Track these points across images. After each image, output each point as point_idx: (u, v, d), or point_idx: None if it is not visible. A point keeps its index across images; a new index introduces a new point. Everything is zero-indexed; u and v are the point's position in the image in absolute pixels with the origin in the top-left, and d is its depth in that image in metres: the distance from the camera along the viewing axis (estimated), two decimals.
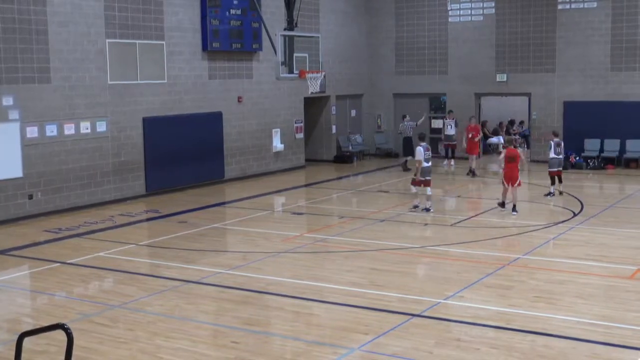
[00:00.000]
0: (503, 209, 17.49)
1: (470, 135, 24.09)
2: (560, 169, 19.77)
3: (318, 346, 9.14)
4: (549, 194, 19.68)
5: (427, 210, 17.68)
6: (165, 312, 10.54)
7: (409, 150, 24.58)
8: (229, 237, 16.10)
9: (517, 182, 17.39)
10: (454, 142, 26.14)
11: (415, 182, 17.90)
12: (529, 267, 12.73)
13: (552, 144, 19.80)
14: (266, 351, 9.09)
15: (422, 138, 18.30)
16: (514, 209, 17.28)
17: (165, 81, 20.82)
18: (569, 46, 25.82)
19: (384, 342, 9.18)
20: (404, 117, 26.13)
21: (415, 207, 17.96)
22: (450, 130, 25.99)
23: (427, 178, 17.73)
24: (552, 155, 19.70)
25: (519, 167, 17.53)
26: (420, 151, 17.65)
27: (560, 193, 19.76)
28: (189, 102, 21.63)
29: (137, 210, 18.59)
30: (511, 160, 17.39)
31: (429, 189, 17.79)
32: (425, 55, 28.36)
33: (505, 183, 17.47)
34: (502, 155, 17.65)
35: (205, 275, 12.43)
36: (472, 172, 23.55)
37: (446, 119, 26.27)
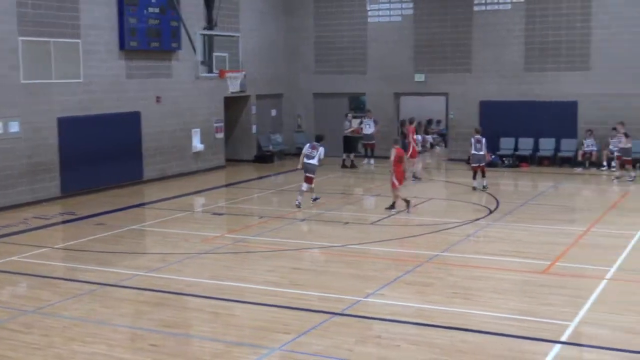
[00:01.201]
0: (409, 208, 17.56)
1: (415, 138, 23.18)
2: (481, 164, 20.43)
3: (238, 347, 9.08)
4: (474, 188, 20.36)
5: (298, 205, 18.15)
6: (82, 317, 10.30)
7: (347, 147, 26.07)
8: (148, 239, 15.85)
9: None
10: (373, 142, 26.39)
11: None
12: (447, 264, 12.94)
13: (473, 140, 20.59)
14: (185, 353, 8.98)
15: (317, 138, 19.03)
16: (393, 206, 17.66)
17: (82, 80, 20.34)
18: (485, 47, 26.37)
19: (304, 341, 9.18)
20: (347, 115, 26.80)
21: (315, 199, 18.65)
22: (369, 130, 26.21)
23: (307, 174, 18.33)
24: (472, 151, 20.52)
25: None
26: (304, 147, 18.70)
27: (484, 187, 20.36)
28: (106, 101, 21.19)
29: (52, 213, 18.11)
30: (400, 160, 17.73)
31: (305, 184, 18.31)
32: (345, 55, 28.52)
33: (398, 183, 17.54)
34: (393, 156, 17.61)
35: (123, 278, 12.21)
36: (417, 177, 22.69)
37: (364, 119, 26.47)
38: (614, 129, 23.23)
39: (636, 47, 24.31)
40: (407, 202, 17.55)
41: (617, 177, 22.03)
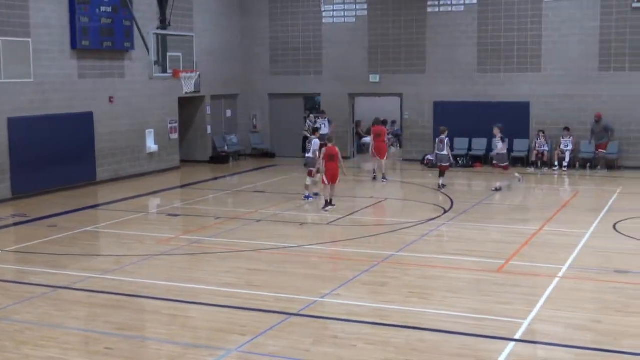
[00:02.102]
0: (329, 207, 17.84)
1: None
2: (443, 163, 20.93)
3: (194, 349, 9.02)
4: (440, 186, 20.89)
5: (316, 194, 19.32)
6: (34, 320, 10.14)
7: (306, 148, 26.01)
8: (102, 241, 15.66)
9: (337, 179, 18.09)
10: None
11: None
12: (402, 263, 13.02)
13: (437, 140, 21.24)
14: (141, 356, 8.91)
15: (312, 131, 20.71)
16: (331, 202, 17.96)
17: (32, 80, 20.01)
18: (438, 48, 26.60)
19: (261, 342, 9.16)
20: (309, 115, 27.04)
21: (314, 195, 19.29)
22: (324, 130, 26.22)
23: (307, 168, 19.26)
24: (435, 151, 21.34)
25: (338, 165, 18.02)
26: None
27: (439, 187, 20.75)
28: (58, 101, 20.88)
29: (2, 215, 17.76)
30: (331, 158, 17.98)
31: (308, 178, 19.17)
32: (300, 56, 28.53)
33: (326, 181, 17.95)
34: (322, 154, 18.20)
35: (76, 281, 12.04)
36: (384, 177, 22.71)
37: (319, 119, 26.52)
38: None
39: (586, 48, 24.77)
40: (328, 202, 18.01)
41: (497, 189, 20.42)
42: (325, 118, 26.35)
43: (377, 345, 9.04)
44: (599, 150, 24.27)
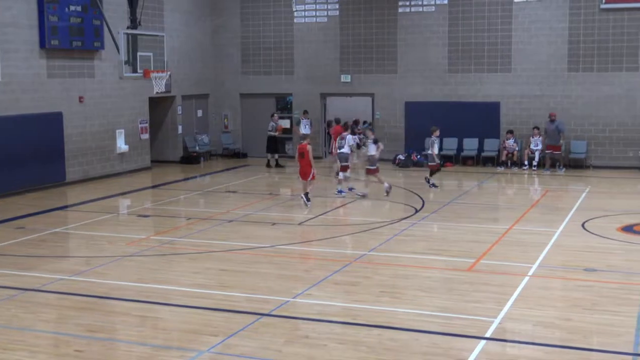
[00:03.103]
0: (308, 202, 18.15)
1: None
2: (428, 162, 21.49)
3: (166, 350, 8.98)
4: (431, 184, 21.20)
5: (350, 189, 19.73)
6: (2, 323, 10.01)
7: (272, 147, 26.23)
8: (72, 242, 15.51)
9: (310, 176, 18.20)
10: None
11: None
12: (374, 263, 13.06)
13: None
14: (111, 358, 8.84)
15: (344, 128, 21.24)
16: (306, 197, 18.22)
17: (0, 80, 19.77)
18: (410, 48, 26.71)
19: (233, 343, 9.14)
20: (273, 115, 26.77)
21: (347, 190, 19.68)
22: (306, 130, 26.19)
23: (341, 164, 19.98)
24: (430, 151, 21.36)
25: (310, 163, 18.15)
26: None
27: (428, 182, 21.23)
28: (27, 101, 20.66)
29: None
30: (301, 156, 18.27)
31: (341, 173, 19.99)
32: (272, 56, 28.50)
33: (301, 178, 18.49)
34: (297, 152, 18.85)
35: (46, 283, 11.92)
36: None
37: (302, 119, 26.56)
38: (366, 135, 22.25)
39: (555, 49, 25.02)
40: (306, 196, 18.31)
41: (362, 195, 19.69)
42: (308, 118, 26.45)
43: (348, 345, 9.05)
44: (552, 151, 24.50)
